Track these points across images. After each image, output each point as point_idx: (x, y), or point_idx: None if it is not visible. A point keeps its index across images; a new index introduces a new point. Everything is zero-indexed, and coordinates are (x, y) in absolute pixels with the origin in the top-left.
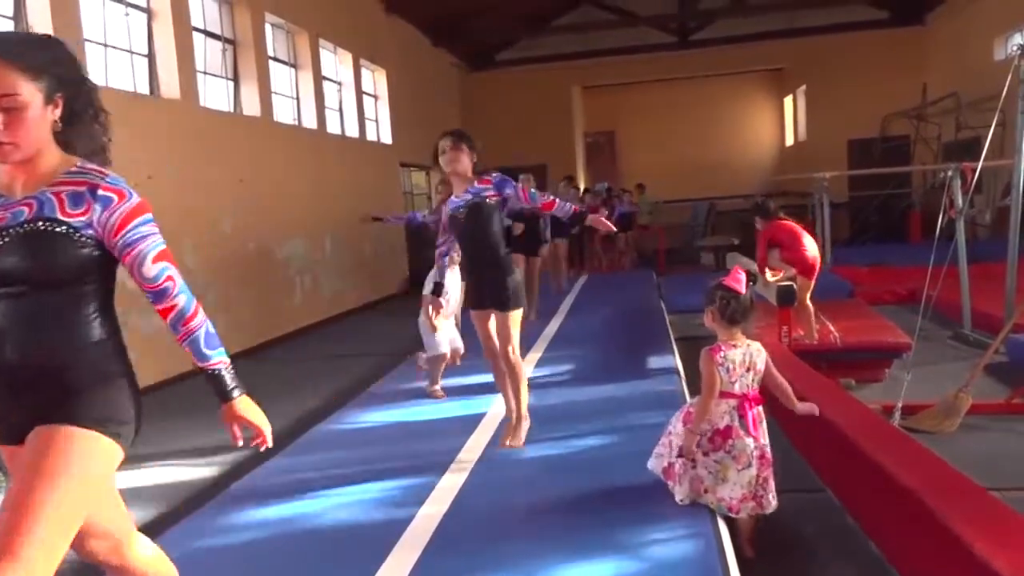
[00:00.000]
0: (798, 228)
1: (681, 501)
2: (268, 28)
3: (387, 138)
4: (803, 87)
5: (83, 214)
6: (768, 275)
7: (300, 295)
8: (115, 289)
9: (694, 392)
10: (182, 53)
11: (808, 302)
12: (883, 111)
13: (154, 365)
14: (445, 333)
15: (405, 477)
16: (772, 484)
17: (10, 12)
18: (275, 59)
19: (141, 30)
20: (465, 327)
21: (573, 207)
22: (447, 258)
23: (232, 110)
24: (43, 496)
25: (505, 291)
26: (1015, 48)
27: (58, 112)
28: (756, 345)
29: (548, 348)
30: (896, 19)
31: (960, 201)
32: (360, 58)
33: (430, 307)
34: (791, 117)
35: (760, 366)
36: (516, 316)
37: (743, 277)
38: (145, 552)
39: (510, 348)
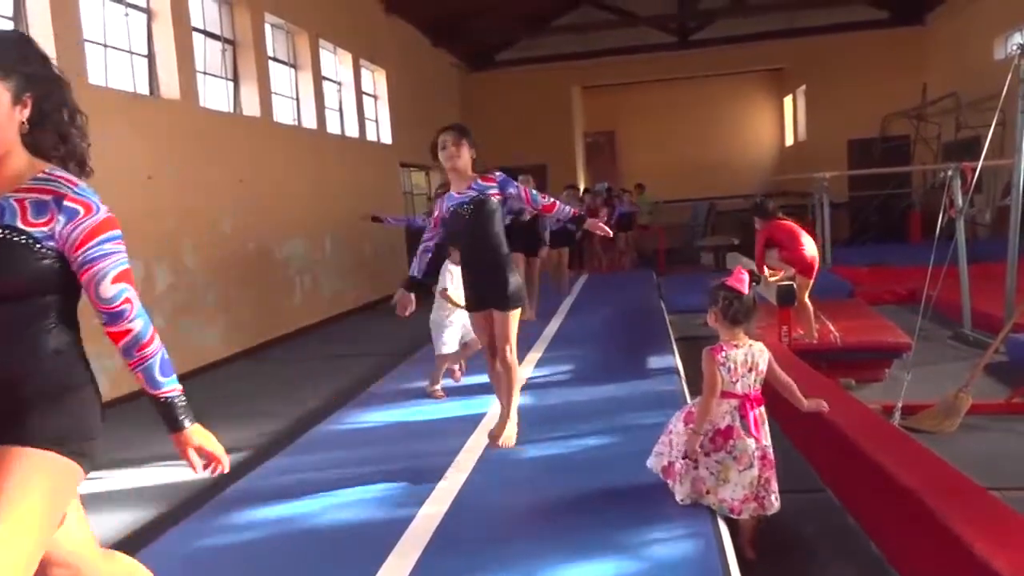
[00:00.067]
0: (796, 228)
1: (682, 501)
2: (268, 28)
3: (387, 138)
4: (803, 87)
5: (45, 224)
6: (767, 275)
7: (300, 295)
8: (80, 299)
9: (694, 392)
10: (182, 53)
11: (807, 301)
12: (883, 111)
13: None
14: (454, 332)
15: (405, 477)
16: (774, 485)
17: (10, 12)
18: (275, 59)
19: (141, 30)
20: None
21: (572, 210)
22: (431, 254)
23: (232, 110)
24: None
25: (506, 290)
26: (1015, 48)
27: (26, 113)
28: (759, 345)
29: (548, 348)
30: (896, 19)
31: (960, 201)
32: (360, 58)
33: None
34: (791, 117)
35: (762, 366)
36: (516, 316)
37: (746, 277)
38: (115, 571)
39: (508, 348)
